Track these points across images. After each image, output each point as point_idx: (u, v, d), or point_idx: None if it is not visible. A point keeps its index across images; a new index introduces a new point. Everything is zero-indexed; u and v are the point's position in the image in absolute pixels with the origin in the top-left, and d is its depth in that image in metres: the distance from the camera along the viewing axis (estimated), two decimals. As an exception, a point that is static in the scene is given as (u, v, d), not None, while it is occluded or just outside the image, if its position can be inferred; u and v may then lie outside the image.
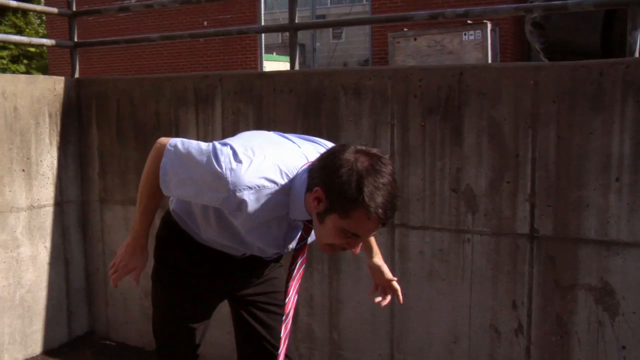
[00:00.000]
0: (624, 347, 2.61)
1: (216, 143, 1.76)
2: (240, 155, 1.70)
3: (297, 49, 3.33)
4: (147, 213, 1.97)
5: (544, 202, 2.69)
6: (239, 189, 1.66)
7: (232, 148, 1.72)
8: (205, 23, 12.62)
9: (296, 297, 1.91)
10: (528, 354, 2.79)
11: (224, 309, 2.24)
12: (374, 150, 1.67)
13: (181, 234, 2.03)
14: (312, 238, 1.85)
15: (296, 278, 1.87)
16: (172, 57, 13.28)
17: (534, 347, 2.78)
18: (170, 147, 1.81)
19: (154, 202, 1.96)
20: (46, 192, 3.78)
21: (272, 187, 1.70)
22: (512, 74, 2.72)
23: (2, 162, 3.50)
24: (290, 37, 3.30)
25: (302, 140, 1.89)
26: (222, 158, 1.69)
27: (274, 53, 15.35)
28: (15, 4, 3.58)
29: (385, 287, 2.20)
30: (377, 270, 2.19)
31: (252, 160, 1.69)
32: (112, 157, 3.86)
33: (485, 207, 2.81)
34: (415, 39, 9.96)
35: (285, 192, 1.72)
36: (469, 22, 9.19)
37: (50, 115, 3.79)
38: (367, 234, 1.69)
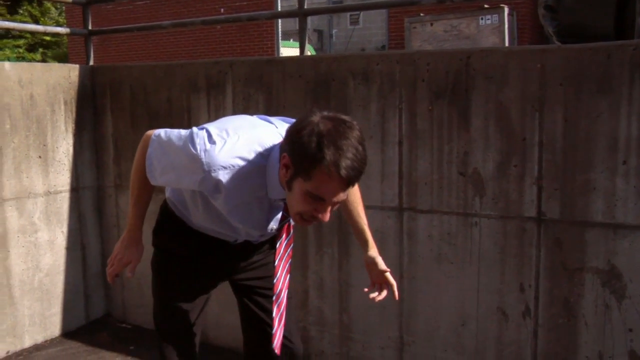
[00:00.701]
0: (630, 330, 2.62)
1: (194, 128, 1.81)
2: (215, 137, 1.74)
3: (307, 34, 3.35)
4: (139, 205, 2.02)
5: (551, 186, 2.70)
6: (214, 169, 1.70)
7: (207, 131, 1.76)
8: (222, 10, 12.66)
9: (287, 277, 1.94)
10: (535, 337, 2.81)
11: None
12: (342, 116, 1.66)
13: (176, 220, 2.07)
14: None
15: (284, 258, 1.89)
16: (190, 44, 13.35)
17: (541, 330, 2.79)
18: (154, 138, 1.87)
19: (144, 193, 2.01)
20: (62, 178, 3.86)
21: (247, 166, 1.72)
22: (518, 57, 2.72)
23: (19, 149, 3.58)
24: (299, 23, 3.32)
25: (281, 122, 1.91)
26: (197, 141, 1.73)
27: (291, 39, 15.33)
28: (29, -7, 3.63)
29: (380, 283, 2.17)
30: (372, 262, 2.15)
31: (225, 141, 1.73)
32: (126, 143, 3.92)
33: (492, 190, 2.82)
34: (431, 24, 9.90)
35: (261, 171, 1.75)
36: (485, 6, 9.12)
37: (65, 103, 3.85)
38: (330, 196, 1.64)
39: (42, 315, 3.78)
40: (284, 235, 1.88)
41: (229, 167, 1.71)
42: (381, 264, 2.14)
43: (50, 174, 3.77)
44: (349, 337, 3.27)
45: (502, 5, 9.05)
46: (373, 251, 2.16)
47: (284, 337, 2.02)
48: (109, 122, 3.97)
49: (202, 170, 1.71)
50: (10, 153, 3.53)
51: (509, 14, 9.22)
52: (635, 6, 3.60)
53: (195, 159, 1.72)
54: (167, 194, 2.12)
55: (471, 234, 2.90)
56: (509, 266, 2.83)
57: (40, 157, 3.71)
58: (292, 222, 1.88)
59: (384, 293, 2.14)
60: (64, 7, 13.84)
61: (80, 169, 3.97)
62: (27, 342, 3.71)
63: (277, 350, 1.99)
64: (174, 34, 13.24)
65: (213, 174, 1.71)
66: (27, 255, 3.67)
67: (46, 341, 3.81)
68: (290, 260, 1.94)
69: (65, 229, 3.89)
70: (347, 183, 1.61)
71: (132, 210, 2.03)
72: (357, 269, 3.19)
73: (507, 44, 8.98)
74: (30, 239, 3.69)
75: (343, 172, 1.57)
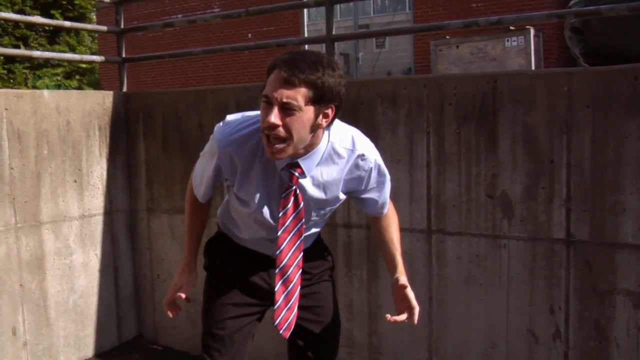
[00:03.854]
0: (664, 353, 2.59)
1: None
2: (226, 119, 1.95)
3: (335, 59, 3.41)
4: (192, 234, 2.16)
5: (580, 207, 2.70)
6: (225, 144, 1.87)
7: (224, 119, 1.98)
8: (249, 35, 12.86)
9: (298, 255, 1.96)
10: (566, 359, 2.79)
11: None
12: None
13: (223, 238, 2.20)
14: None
15: (291, 231, 1.93)
16: (218, 69, 13.57)
17: (572, 353, 2.78)
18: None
19: (196, 221, 2.17)
20: (96, 202, 3.95)
21: (254, 136, 1.86)
22: (545, 80, 2.74)
23: (56, 173, 3.69)
24: (326, 48, 3.39)
25: None
26: (214, 130, 1.95)
27: (318, 63, 15.47)
28: (69, 24, 3.77)
29: (403, 307, 2.03)
30: (401, 291, 2.00)
31: (234, 119, 1.93)
32: (158, 167, 4.01)
33: (520, 212, 2.83)
34: (457, 47, 9.93)
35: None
36: (511, 28, 9.13)
37: (99, 128, 3.97)
38: (270, 89, 1.72)
39: (76, 336, 3.86)
40: (289, 205, 1.91)
41: (237, 138, 1.87)
42: (412, 300, 2.00)
43: (85, 197, 3.87)
44: (378, 359, 3.28)
45: (527, 27, 9.05)
46: (403, 277, 2.05)
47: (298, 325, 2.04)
48: (141, 147, 4.07)
49: (217, 146, 1.89)
50: (47, 178, 3.64)
51: (534, 36, 9.22)
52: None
53: (211, 140, 1.94)
54: (218, 213, 2.24)
55: (500, 255, 2.90)
56: (538, 288, 2.83)
57: (75, 181, 3.81)
58: (300, 194, 1.91)
59: (403, 316, 2.00)
60: (96, 35, 14.20)
61: (114, 193, 4.07)
62: (62, 363, 3.78)
63: (284, 334, 2.00)
64: (202, 59, 13.48)
65: (225, 148, 1.87)
66: (62, 277, 3.76)
67: (80, 362, 3.88)
68: (300, 239, 1.95)
69: (98, 251, 3.98)
70: (282, 75, 1.70)
71: (186, 238, 2.18)
72: (386, 290, 3.20)
73: (533, 66, 8.97)
74: (66, 261, 3.78)
75: (278, 62, 1.71)
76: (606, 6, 2.71)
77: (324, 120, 1.79)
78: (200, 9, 13.58)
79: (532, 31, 9.06)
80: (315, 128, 1.79)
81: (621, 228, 2.63)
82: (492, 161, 2.88)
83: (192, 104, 3.82)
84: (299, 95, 1.70)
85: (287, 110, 1.71)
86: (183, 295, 2.14)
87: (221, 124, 1.97)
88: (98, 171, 3.96)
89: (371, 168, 1.99)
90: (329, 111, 1.79)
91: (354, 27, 15.24)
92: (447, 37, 10.10)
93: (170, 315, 2.18)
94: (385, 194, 2.11)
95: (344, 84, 1.80)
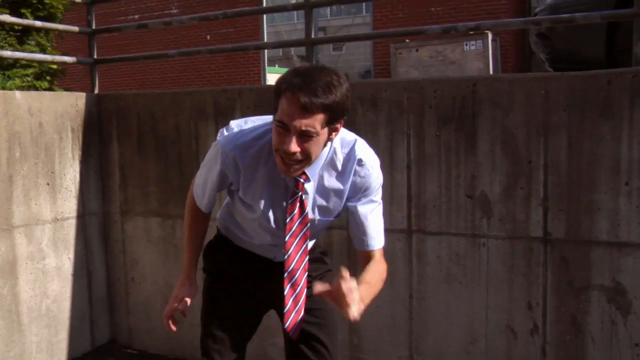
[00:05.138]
0: (636, 345, 2.72)
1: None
2: (230, 125, 1.98)
3: (314, 61, 3.45)
4: (193, 245, 2.16)
5: (557, 207, 2.81)
6: (229, 149, 1.89)
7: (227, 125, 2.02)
8: (208, 37, 12.77)
9: (304, 258, 1.96)
10: (544, 353, 2.89)
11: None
12: (320, 64, 1.87)
13: (223, 240, 2.20)
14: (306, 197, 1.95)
15: (297, 236, 1.94)
16: (177, 71, 13.42)
17: (549, 347, 2.88)
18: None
19: (196, 232, 2.16)
20: (69, 205, 3.89)
21: (258, 142, 1.89)
22: (523, 84, 2.84)
23: (28, 176, 3.62)
24: (306, 52, 3.43)
25: None
26: (218, 136, 1.99)
27: (276, 65, 15.50)
28: (39, 24, 3.71)
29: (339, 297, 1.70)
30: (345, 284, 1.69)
31: (237, 125, 1.97)
32: (132, 170, 3.98)
33: (499, 212, 2.93)
34: (417, 50, 10.09)
35: (272, 147, 1.84)
36: (470, 32, 9.33)
37: (72, 130, 3.91)
38: (288, 118, 1.70)
39: (49, 342, 3.79)
40: (295, 211, 1.93)
41: (242, 144, 1.89)
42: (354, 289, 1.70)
43: (57, 200, 3.81)
44: (359, 358, 3.33)
45: (485, 31, 9.27)
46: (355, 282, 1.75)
47: (302, 324, 2.04)
48: (115, 149, 4.03)
49: (222, 152, 1.90)
50: (19, 180, 3.57)
51: (492, 40, 9.45)
52: (625, 34, 3.77)
53: (214, 146, 1.96)
54: (217, 216, 2.24)
55: (479, 254, 2.99)
56: (516, 285, 2.93)
57: (48, 184, 3.75)
58: (305, 200, 1.93)
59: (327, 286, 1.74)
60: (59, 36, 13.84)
61: (87, 195, 4.01)
62: (35, 369, 3.71)
63: (292, 335, 2.02)
64: (159, 61, 13.30)
65: (230, 153, 1.89)
66: (35, 282, 3.69)
67: (53, 368, 3.82)
68: (306, 243, 1.97)
69: (72, 255, 3.92)
70: (300, 102, 1.68)
71: (185, 250, 2.17)
72: (367, 290, 3.26)
73: (491, 69, 9.19)
74: (39, 265, 3.71)
75: (295, 89, 1.68)
76: (580, 14, 2.83)
77: (334, 134, 1.82)
78: (158, 10, 13.41)
79: (490, 35, 9.28)
80: (327, 143, 1.83)
81: (596, 226, 2.75)
82: (471, 162, 2.96)
83: (169, 106, 3.80)
84: (316, 122, 1.71)
85: (305, 137, 1.72)
86: (182, 310, 2.11)
87: (224, 129, 1.98)
88: (71, 174, 3.90)
89: (368, 175, 1.98)
90: (339, 125, 1.82)
91: (314, 29, 15.37)
92: (407, 40, 10.26)
93: (174, 328, 2.13)
94: (374, 217, 2.01)
95: (350, 94, 1.80)
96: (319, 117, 1.70)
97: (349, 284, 1.67)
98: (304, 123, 1.70)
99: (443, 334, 3.11)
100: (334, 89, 1.70)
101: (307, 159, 1.77)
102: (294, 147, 1.72)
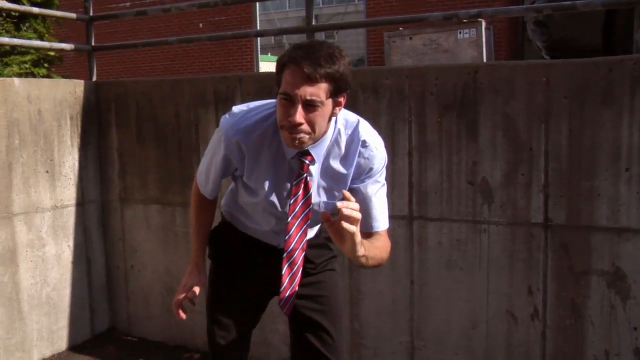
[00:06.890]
0: (635, 329, 2.76)
1: None
2: (232, 110, 1.97)
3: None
4: (200, 233, 2.18)
5: (558, 193, 2.84)
6: (233, 133, 1.90)
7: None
8: (201, 25, 12.70)
9: (304, 239, 1.96)
10: (544, 338, 2.93)
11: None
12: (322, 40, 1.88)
13: (227, 226, 2.20)
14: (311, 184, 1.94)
15: (299, 218, 1.93)
16: (169, 59, 13.35)
17: (549, 331, 2.92)
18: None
19: (203, 220, 2.18)
20: (69, 193, 3.89)
21: (261, 125, 1.89)
22: (525, 71, 2.86)
23: (28, 164, 3.61)
24: (307, 39, 3.42)
25: None
26: (221, 121, 1.99)
27: (269, 54, 15.46)
28: (37, 10, 3.69)
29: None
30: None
31: (240, 109, 1.96)
32: (132, 157, 3.97)
33: (500, 198, 2.95)
34: (411, 38, 10.09)
35: (275, 129, 1.87)
36: (464, 20, 9.33)
37: (71, 118, 3.90)
38: (292, 88, 1.71)
39: (49, 330, 3.80)
40: (300, 192, 1.93)
41: (245, 128, 1.90)
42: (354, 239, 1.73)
43: (57, 188, 3.81)
44: (360, 344, 3.36)
45: (479, 20, 9.28)
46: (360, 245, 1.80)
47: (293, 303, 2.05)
48: (114, 137, 4.02)
49: (225, 137, 1.91)
50: (19, 168, 3.56)
51: (486, 29, 9.45)
52: (623, 21, 3.80)
53: (218, 132, 1.97)
54: (222, 203, 2.24)
55: (480, 240, 3.02)
56: (517, 271, 2.96)
57: (47, 172, 3.74)
58: (310, 181, 1.93)
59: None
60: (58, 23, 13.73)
61: (86, 183, 4.01)
62: (36, 357, 3.71)
63: (286, 312, 2.03)
64: (152, 50, 13.23)
65: (233, 138, 1.89)
66: (35, 270, 3.69)
67: (54, 356, 3.82)
68: (307, 224, 1.97)
69: (71, 243, 3.92)
70: (304, 72, 1.69)
71: (193, 239, 2.19)
72: (368, 276, 3.29)
73: (485, 58, 9.20)
74: (39, 253, 3.71)
75: (297, 59, 1.69)
76: (582, 1, 2.84)
77: (337, 109, 1.83)
78: (150, -3, 13.32)
79: (483, 24, 9.29)
80: (331, 118, 1.83)
81: (596, 212, 2.78)
82: (473, 149, 2.98)
83: (168, 94, 3.80)
84: (321, 91, 1.71)
85: (310, 107, 1.73)
86: (194, 302, 2.12)
87: (227, 115, 1.98)
88: (70, 162, 3.89)
89: (373, 156, 1.98)
90: (342, 99, 1.83)
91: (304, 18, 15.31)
92: (401, 28, 10.25)
93: (184, 317, 2.12)
94: (379, 198, 2.00)
95: (351, 70, 1.82)
96: (324, 87, 1.72)
97: (351, 205, 1.66)
98: (308, 92, 1.71)
99: (444, 320, 3.14)
100: (337, 60, 1.73)
101: (312, 131, 1.77)
102: (300, 117, 1.72)
